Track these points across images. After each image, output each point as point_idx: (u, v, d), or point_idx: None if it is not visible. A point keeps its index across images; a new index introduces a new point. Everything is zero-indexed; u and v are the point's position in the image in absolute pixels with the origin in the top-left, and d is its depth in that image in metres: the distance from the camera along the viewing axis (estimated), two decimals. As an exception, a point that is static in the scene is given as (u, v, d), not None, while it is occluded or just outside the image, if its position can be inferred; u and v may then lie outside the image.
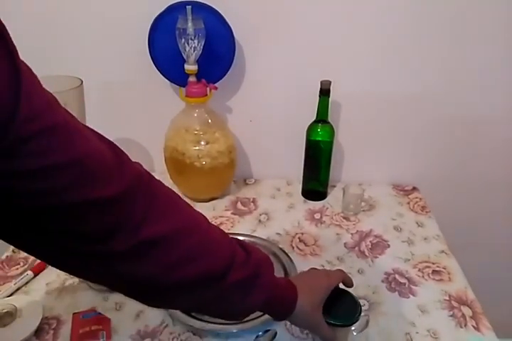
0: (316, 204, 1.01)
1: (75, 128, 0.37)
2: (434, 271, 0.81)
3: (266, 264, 0.54)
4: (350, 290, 0.63)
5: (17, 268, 0.81)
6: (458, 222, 1.09)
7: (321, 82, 0.89)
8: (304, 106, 0.95)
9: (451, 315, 0.72)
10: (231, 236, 0.54)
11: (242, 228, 0.93)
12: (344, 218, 0.97)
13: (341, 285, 0.63)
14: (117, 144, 0.47)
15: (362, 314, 0.63)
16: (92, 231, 0.38)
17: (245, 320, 0.69)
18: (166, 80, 0.96)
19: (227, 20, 0.88)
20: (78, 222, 0.37)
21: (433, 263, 0.83)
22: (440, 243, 0.89)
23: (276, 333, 0.68)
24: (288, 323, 0.70)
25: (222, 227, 0.91)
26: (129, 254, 0.40)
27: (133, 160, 0.47)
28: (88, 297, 0.75)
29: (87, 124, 0.88)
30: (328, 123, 0.94)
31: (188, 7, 0.81)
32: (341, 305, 0.63)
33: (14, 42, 0.34)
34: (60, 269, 0.43)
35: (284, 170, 1.10)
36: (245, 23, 0.92)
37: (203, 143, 0.93)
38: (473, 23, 0.90)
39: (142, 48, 0.91)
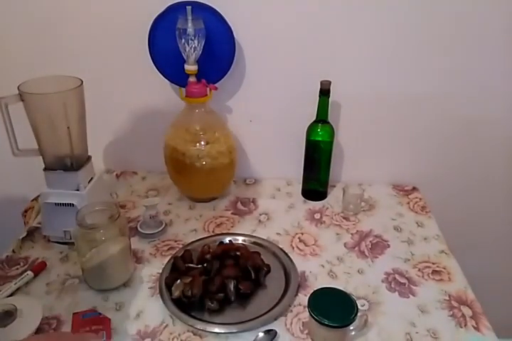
0: (316, 204, 1.01)
1: None
2: (434, 271, 0.81)
3: None
4: (347, 290, 0.63)
5: (17, 268, 0.81)
6: (458, 221, 1.09)
7: (321, 82, 0.89)
8: (304, 106, 0.95)
9: (451, 315, 0.72)
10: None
11: (242, 228, 0.93)
12: (344, 218, 0.97)
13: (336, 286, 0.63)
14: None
15: (359, 314, 0.63)
16: None
17: (245, 319, 0.70)
18: (166, 80, 0.96)
19: (227, 20, 0.88)
20: None
21: (433, 263, 0.83)
22: (440, 243, 0.89)
23: (276, 333, 0.68)
24: (288, 323, 0.70)
25: (222, 227, 0.92)
26: None
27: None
28: (88, 297, 0.75)
29: (86, 124, 0.89)
30: (328, 123, 0.94)
31: (188, 7, 0.81)
32: (337, 306, 0.63)
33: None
34: None
35: (284, 170, 1.10)
36: (245, 23, 0.92)
37: (203, 143, 0.93)
38: (474, 23, 0.90)
39: (142, 48, 0.91)
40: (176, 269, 0.79)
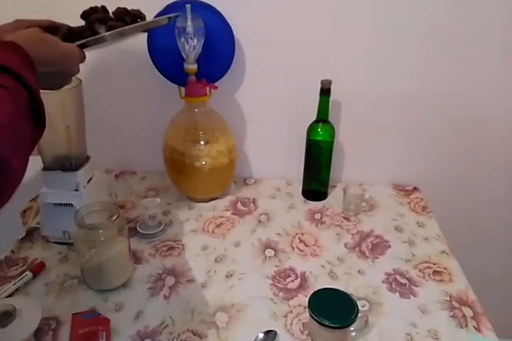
0: (317, 205, 1.01)
1: None
2: (434, 272, 0.81)
3: None
4: (348, 291, 0.63)
5: (16, 269, 0.81)
6: (459, 222, 1.09)
7: (322, 82, 0.89)
8: (304, 105, 0.95)
9: (451, 316, 0.72)
10: None
11: (242, 228, 0.93)
12: (344, 218, 0.96)
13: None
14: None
15: (360, 314, 0.63)
16: None
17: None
18: (166, 79, 0.96)
19: (226, 18, 0.88)
20: None
21: (434, 264, 0.83)
22: (441, 243, 0.89)
23: (276, 334, 0.67)
24: (288, 324, 0.70)
25: (221, 227, 0.92)
26: None
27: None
28: (87, 297, 0.75)
29: (85, 124, 0.88)
30: (329, 122, 0.94)
31: (188, 6, 0.81)
32: (338, 307, 0.63)
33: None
34: None
35: (284, 170, 1.09)
36: (245, 22, 0.91)
37: (202, 143, 0.92)
38: (474, 23, 0.90)
39: (141, 47, 0.91)
40: None
